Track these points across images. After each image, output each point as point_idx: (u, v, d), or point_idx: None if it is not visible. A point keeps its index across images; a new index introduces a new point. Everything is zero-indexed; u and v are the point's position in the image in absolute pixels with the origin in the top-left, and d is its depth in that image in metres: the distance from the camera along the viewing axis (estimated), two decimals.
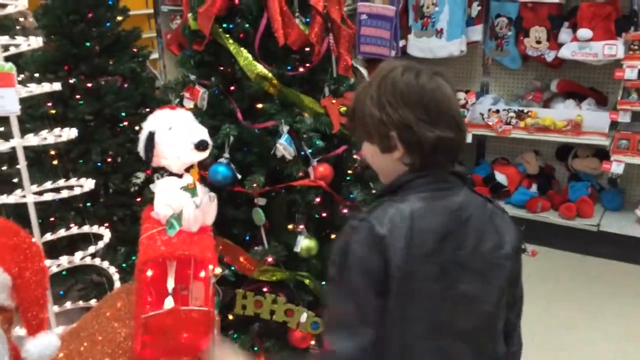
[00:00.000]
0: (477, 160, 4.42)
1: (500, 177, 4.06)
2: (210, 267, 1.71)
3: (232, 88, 2.08)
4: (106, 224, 2.54)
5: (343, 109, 2.07)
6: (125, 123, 2.95)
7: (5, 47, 2.16)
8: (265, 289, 2.09)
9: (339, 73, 2.10)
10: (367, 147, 1.20)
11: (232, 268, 2.07)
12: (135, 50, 3.07)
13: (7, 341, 1.25)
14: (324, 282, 2.09)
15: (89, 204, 2.91)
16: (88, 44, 2.80)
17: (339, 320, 1.12)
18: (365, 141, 1.20)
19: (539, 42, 3.73)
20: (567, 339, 2.87)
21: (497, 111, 3.90)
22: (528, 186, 4.04)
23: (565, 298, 3.24)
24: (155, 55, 5.32)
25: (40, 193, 2.22)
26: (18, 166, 3.08)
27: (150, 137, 1.74)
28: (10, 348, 1.26)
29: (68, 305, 2.61)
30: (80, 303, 2.67)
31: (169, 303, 1.64)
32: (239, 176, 2.00)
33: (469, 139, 3.93)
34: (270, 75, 1.97)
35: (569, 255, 3.75)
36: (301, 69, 2.03)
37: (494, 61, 4.18)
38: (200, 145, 1.74)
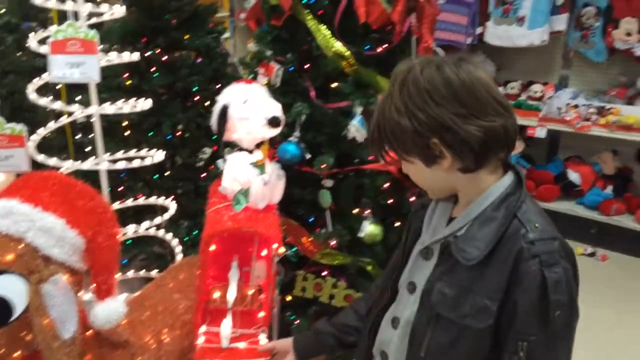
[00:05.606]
0: (549, 156, 4.23)
1: (574, 176, 3.87)
2: (275, 245, 1.68)
3: (306, 66, 2.04)
4: (171, 197, 2.57)
5: None
6: (197, 98, 2.97)
7: (89, 16, 2.19)
8: (325, 273, 2.06)
9: (418, 55, 2.01)
10: (409, 167, 1.05)
11: (295, 249, 2.05)
12: (211, 25, 3.08)
13: (77, 303, 1.26)
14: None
15: (156, 176, 2.96)
16: (166, 16, 2.83)
17: None
18: (404, 160, 1.04)
19: (629, 35, 3.49)
20: (636, 352, 2.71)
21: (576, 106, 3.69)
22: (603, 187, 3.83)
23: (636, 308, 3.05)
24: (227, 35, 5.36)
25: (112, 162, 2.26)
26: (91, 135, 3.19)
27: (224, 110, 1.72)
28: (79, 310, 1.27)
29: (130, 274, 2.66)
30: (142, 273, 2.72)
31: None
32: (308, 156, 1.97)
33: (542, 134, 3.75)
34: (347, 53, 1.91)
35: None
36: (379, 49, 1.96)
37: (577, 53, 3.96)
38: (273, 121, 1.71)
